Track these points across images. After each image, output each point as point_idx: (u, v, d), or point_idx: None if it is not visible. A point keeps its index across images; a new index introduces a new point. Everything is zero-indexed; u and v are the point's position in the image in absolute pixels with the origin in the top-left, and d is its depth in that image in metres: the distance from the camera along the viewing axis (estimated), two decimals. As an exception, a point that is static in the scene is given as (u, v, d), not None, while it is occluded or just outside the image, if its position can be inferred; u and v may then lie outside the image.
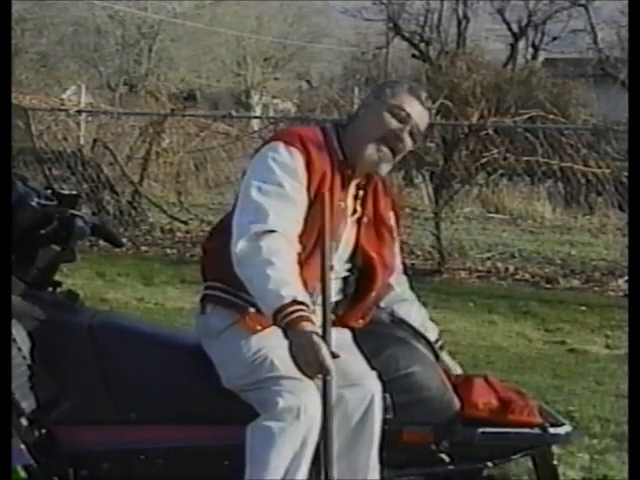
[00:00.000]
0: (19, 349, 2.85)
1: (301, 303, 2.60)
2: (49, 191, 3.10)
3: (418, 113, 2.92)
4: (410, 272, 3.49)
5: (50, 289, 3.03)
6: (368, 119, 2.92)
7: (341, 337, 2.84)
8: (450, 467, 2.90)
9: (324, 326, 2.64)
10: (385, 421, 2.78)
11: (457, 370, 3.13)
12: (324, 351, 2.56)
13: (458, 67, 13.93)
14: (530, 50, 30.74)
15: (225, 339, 2.81)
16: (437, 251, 10.10)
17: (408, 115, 2.89)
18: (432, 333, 3.11)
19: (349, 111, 11.40)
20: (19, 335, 2.86)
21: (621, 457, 4.35)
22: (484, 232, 11.95)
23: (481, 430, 2.88)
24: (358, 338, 2.91)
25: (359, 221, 2.96)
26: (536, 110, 10.65)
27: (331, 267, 2.76)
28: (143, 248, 11.02)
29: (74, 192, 3.28)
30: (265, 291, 2.63)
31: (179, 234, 11.63)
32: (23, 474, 2.85)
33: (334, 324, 2.80)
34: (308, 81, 33.70)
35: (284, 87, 31.38)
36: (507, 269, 9.98)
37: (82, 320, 2.96)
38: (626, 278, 8.88)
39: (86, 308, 3.09)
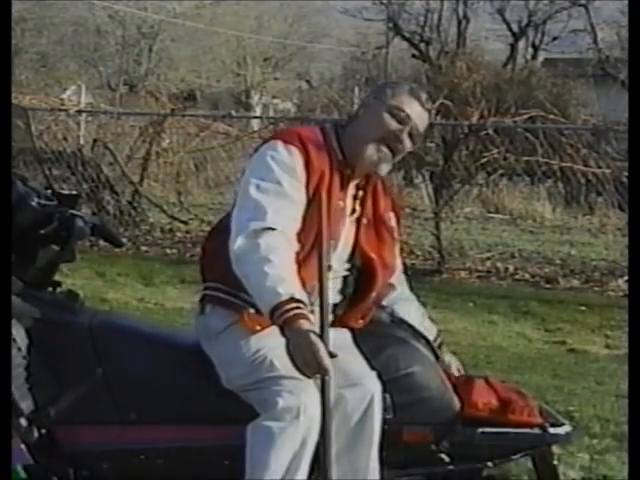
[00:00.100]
0: (19, 349, 2.85)
1: (299, 301, 2.59)
2: (49, 191, 3.10)
3: (418, 114, 2.92)
4: (410, 272, 3.49)
5: (50, 289, 3.03)
6: (368, 119, 2.92)
7: (341, 337, 2.84)
8: (450, 467, 2.90)
9: (322, 325, 2.64)
10: (385, 421, 2.78)
11: (459, 367, 3.13)
12: (322, 351, 2.56)
13: (458, 67, 13.90)
14: (530, 50, 30.75)
15: (225, 339, 2.81)
16: (437, 251, 10.09)
17: (408, 116, 2.89)
18: (431, 331, 3.11)
19: (349, 111, 11.40)
20: (19, 335, 2.86)
21: (621, 457, 4.34)
22: (484, 232, 11.94)
23: (481, 430, 2.88)
24: (358, 338, 2.90)
25: (358, 221, 2.95)
26: (536, 110, 10.64)
27: (329, 267, 2.75)
28: (143, 248, 11.01)
29: (74, 192, 3.28)
30: (262, 288, 2.62)
31: (179, 234, 11.62)
32: (23, 474, 2.85)
33: (334, 324, 2.80)
34: (308, 81, 33.70)
35: (284, 87, 31.38)
36: (507, 269, 9.98)
37: (82, 320, 2.96)
38: (626, 278, 8.87)
39: (86, 308, 3.09)
